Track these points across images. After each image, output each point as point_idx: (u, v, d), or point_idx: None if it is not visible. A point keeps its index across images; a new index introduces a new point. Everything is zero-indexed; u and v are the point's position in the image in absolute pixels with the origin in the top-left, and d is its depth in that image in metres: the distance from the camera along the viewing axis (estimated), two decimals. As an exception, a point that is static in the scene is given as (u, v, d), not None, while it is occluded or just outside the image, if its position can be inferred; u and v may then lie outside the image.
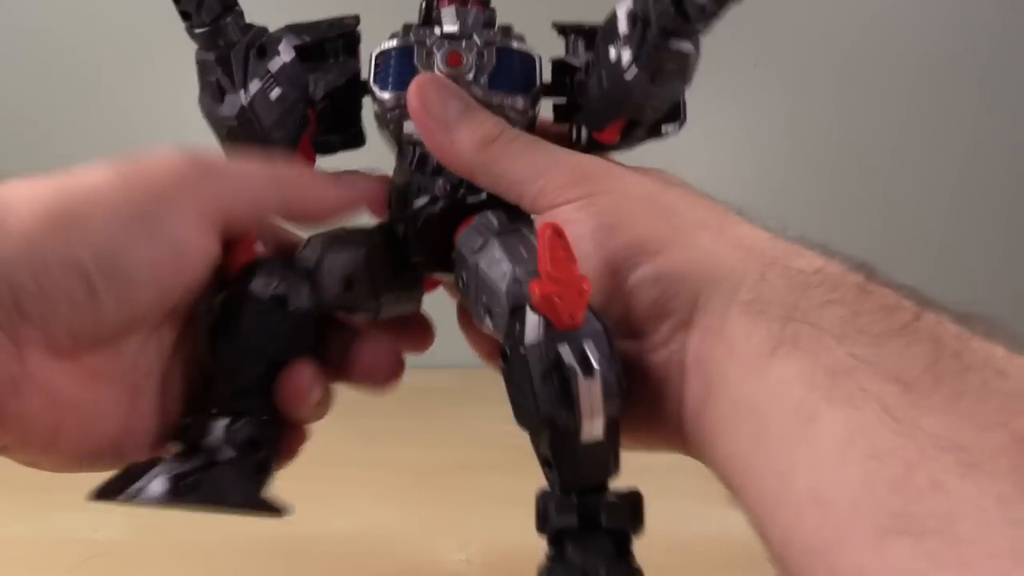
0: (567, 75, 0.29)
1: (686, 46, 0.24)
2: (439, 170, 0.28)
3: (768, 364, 0.19)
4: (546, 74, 0.29)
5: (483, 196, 0.27)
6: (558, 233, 0.21)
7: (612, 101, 0.26)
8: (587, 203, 0.23)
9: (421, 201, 0.28)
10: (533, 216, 0.26)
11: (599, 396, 0.22)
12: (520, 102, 0.28)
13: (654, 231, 0.22)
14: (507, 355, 0.23)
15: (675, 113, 0.28)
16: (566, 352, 0.21)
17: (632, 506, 0.24)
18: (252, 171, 0.26)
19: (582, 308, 0.21)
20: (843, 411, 0.17)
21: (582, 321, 0.21)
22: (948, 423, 0.16)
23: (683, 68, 0.25)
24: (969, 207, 0.97)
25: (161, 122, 0.85)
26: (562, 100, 0.30)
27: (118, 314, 0.22)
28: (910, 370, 0.17)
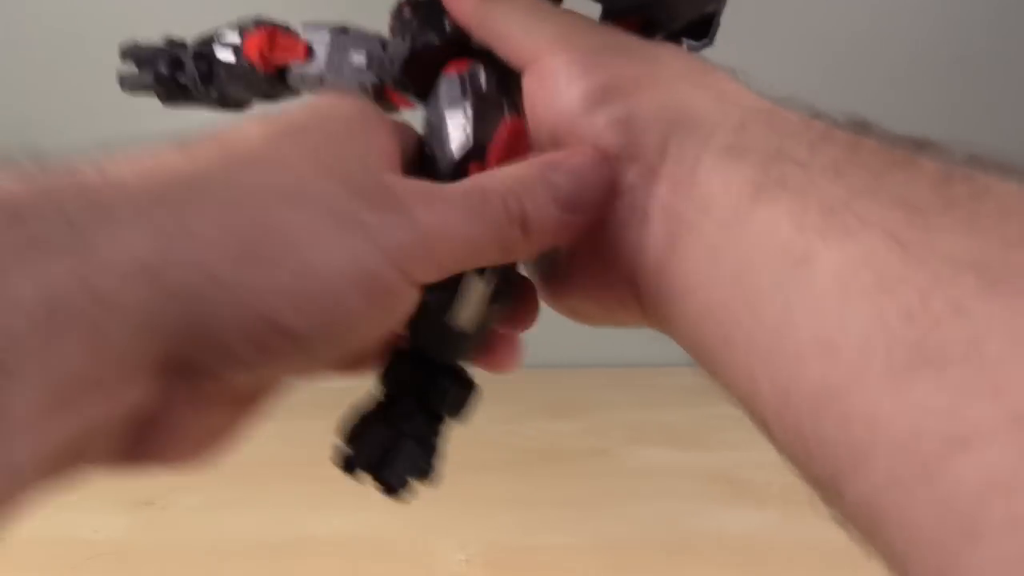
0: None
1: None
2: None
3: (751, 210, 0.17)
4: None
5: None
6: (517, 133, 0.22)
7: None
8: (568, 54, 0.22)
9: (418, 27, 0.27)
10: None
11: (483, 295, 0.23)
12: None
13: (630, 73, 0.21)
14: None
15: (702, 31, 0.26)
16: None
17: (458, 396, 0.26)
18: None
19: None
20: (841, 245, 0.15)
21: None
22: (966, 243, 0.14)
23: None
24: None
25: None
26: None
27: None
28: (918, 194, 0.15)
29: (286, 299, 0.16)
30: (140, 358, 0.15)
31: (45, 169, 0.15)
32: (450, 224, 0.18)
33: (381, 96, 0.28)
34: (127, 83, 0.32)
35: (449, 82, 0.25)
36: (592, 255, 0.21)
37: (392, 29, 0.28)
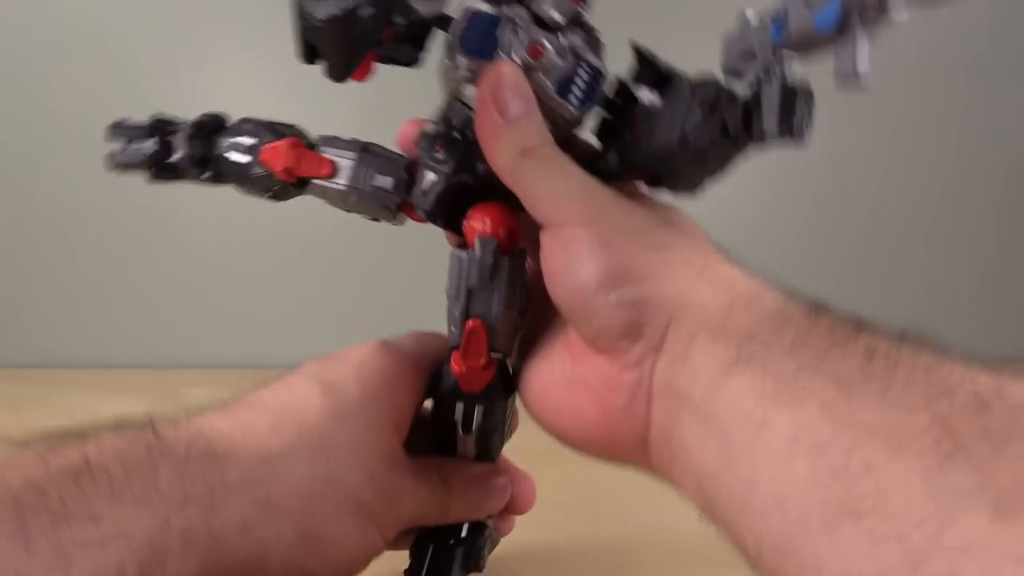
0: (628, 101, 0.29)
1: (736, 152, 0.26)
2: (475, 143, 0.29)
3: (725, 382, 0.21)
4: (609, 87, 0.29)
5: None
6: (477, 332, 0.28)
7: (652, 155, 0.28)
8: (591, 228, 0.25)
9: (453, 165, 0.29)
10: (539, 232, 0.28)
11: (472, 447, 0.32)
12: (574, 112, 0.28)
13: (643, 259, 0.24)
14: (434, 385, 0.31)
15: (693, 184, 0.30)
16: (458, 409, 0.30)
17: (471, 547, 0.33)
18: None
19: (480, 385, 0.29)
20: (790, 412, 0.19)
21: (480, 390, 0.29)
22: (878, 412, 0.17)
23: (724, 164, 0.27)
24: (959, 209, 0.97)
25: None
26: (609, 117, 0.30)
27: None
28: (846, 371, 0.19)
29: (322, 567, 0.25)
30: None
31: (177, 426, 0.25)
32: (418, 513, 0.29)
33: (399, 210, 0.31)
34: (115, 162, 0.33)
35: (460, 258, 0.29)
36: (604, 419, 0.25)
37: (420, 159, 0.30)
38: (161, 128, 0.33)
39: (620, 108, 0.30)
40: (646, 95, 0.29)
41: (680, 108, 0.27)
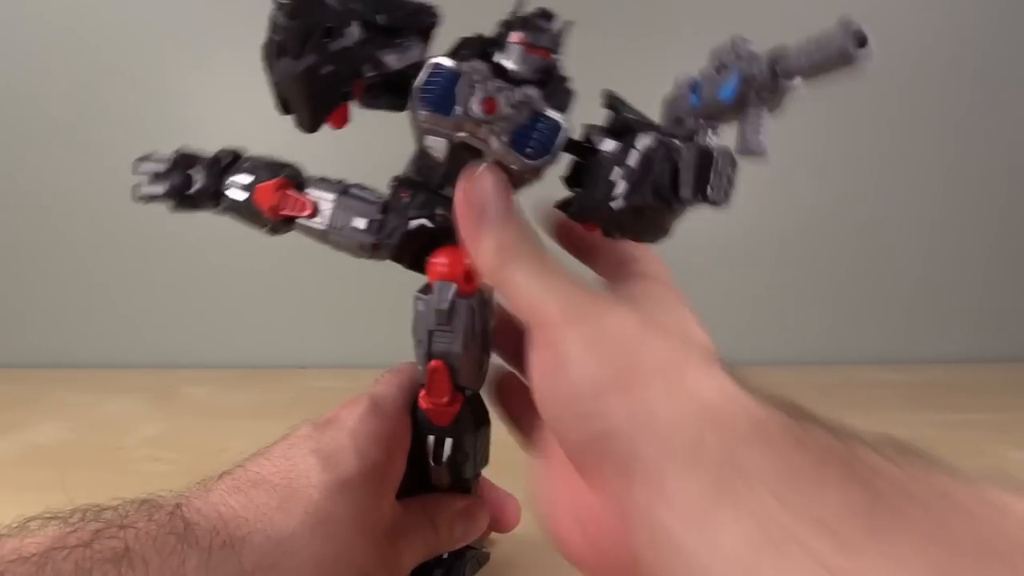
0: (588, 150, 0.30)
1: (669, 212, 0.27)
2: (442, 184, 0.30)
3: (709, 522, 0.20)
4: (575, 132, 0.30)
5: None
6: (439, 371, 0.31)
7: (597, 209, 0.28)
8: (564, 332, 0.24)
9: (414, 210, 0.31)
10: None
11: (445, 477, 0.34)
12: (527, 163, 0.29)
13: (609, 374, 0.23)
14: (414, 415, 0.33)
15: (654, 237, 0.30)
16: (429, 441, 0.33)
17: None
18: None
19: (447, 419, 0.32)
20: (772, 560, 0.18)
21: (447, 424, 0.32)
22: (872, 561, 0.17)
23: (661, 225, 0.28)
24: (958, 208, 0.97)
25: (169, 122, 0.85)
26: (583, 161, 0.30)
27: None
28: (834, 509, 0.18)
29: None
30: None
31: (200, 510, 0.26)
32: (415, 561, 0.31)
33: (375, 251, 0.32)
34: (140, 194, 0.36)
35: (421, 301, 0.31)
36: (596, 545, 0.25)
37: (390, 201, 0.32)
38: (183, 162, 0.35)
39: (585, 154, 0.30)
40: (609, 144, 0.29)
41: (620, 157, 0.27)
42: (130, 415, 0.66)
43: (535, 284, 0.26)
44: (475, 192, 0.27)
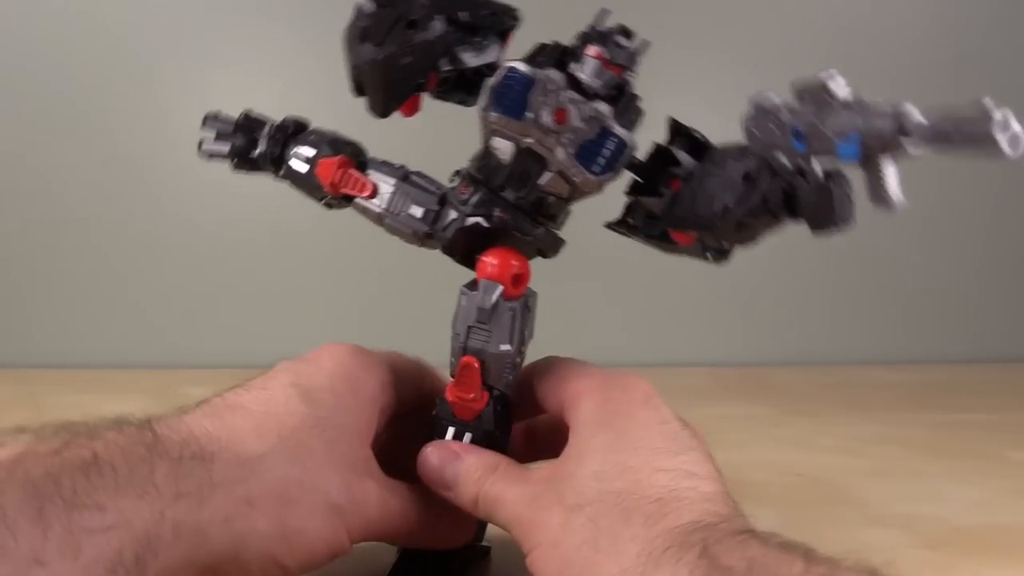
0: (664, 164, 0.31)
1: (775, 224, 0.28)
2: (503, 186, 0.31)
3: None
4: (641, 151, 0.31)
5: (528, 237, 0.31)
6: (470, 367, 0.31)
7: (696, 217, 0.30)
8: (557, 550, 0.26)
9: (473, 207, 0.31)
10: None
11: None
12: (590, 178, 0.30)
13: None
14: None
15: (727, 251, 0.32)
16: (449, 433, 0.32)
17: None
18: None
19: (470, 415, 0.32)
20: None
21: (470, 419, 0.32)
22: None
23: (762, 233, 0.29)
24: (960, 210, 0.97)
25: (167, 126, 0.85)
26: (640, 180, 0.32)
27: None
28: None
29: (292, 559, 0.27)
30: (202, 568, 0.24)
31: (171, 426, 0.26)
32: (385, 525, 0.30)
33: (427, 239, 0.33)
34: (203, 150, 0.36)
35: (465, 296, 0.32)
36: None
37: (448, 196, 0.32)
38: (248, 124, 0.36)
39: (651, 171, 0.32)
40: (684, 158, 0.31)
41: (721, 175, 0.29)
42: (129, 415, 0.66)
43: (509, 516, 0.29)
44: (431, 474, 0.31)
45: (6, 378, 0.81)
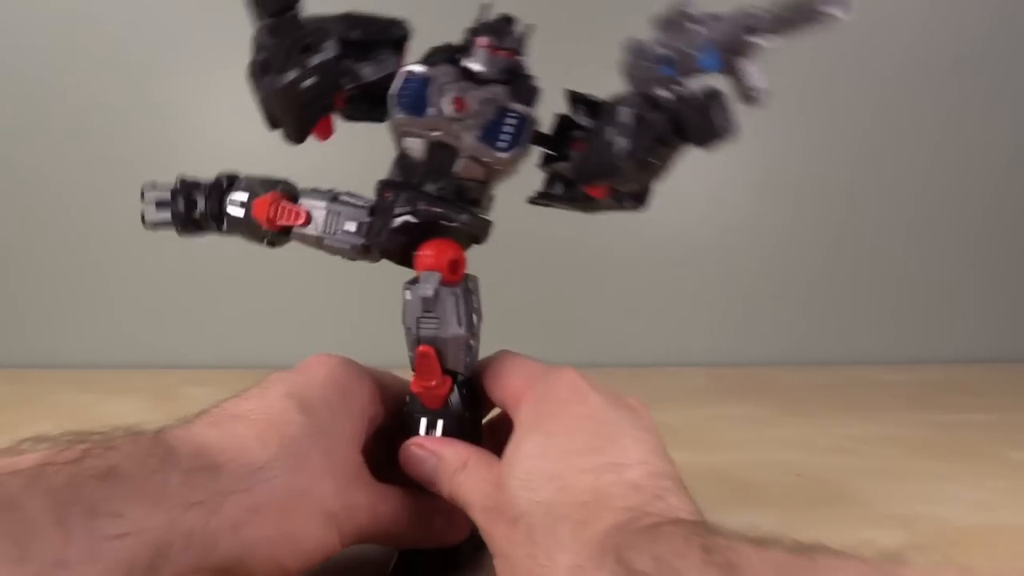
0: (568, 130, 0.33)
1: (672, 153, 0.30)
2: (422, 182, 0.32)
3: None
4: (546, 126, 0.33)
5: (455, 224, 0.32)
6: (427, 355, 0.32)
7: (603, 168, 0.31)
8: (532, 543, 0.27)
9: (400, 206, 0.32)
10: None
11: None
12: (499, 156, 0.32)
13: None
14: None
15: (642, 195, 0.34)
16: (422, 424, 0.33)
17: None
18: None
19: (438, 403, 0.33)
20: None
21: (439, 407, 0.33)
22: None
23: (663, 165, 0.31)
24: (960, 210, 0.97)
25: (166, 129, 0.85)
26: (551, 152, 0.34)
27: None
28: None
29: (293, 561, 0.28)
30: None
31: (180, 438, 0.27)
32: (375, 529, 0.31)
33: (367, 252, 0.34)
34: (149, 221, 0.37)
35: (408, 291, 0.33)
36: None
37: (376, 204, 0.34)
38: (185, 188, 0.37)
39: (558, 141, 0.34)
40: (584, 120, 0.33)
41: (614, 123, 0.30)
42: (130, 415, 0.65)
43: (475, 502, 0.30)
44: (412, 465, 0.32)
45: (6, 378, 0.81)
